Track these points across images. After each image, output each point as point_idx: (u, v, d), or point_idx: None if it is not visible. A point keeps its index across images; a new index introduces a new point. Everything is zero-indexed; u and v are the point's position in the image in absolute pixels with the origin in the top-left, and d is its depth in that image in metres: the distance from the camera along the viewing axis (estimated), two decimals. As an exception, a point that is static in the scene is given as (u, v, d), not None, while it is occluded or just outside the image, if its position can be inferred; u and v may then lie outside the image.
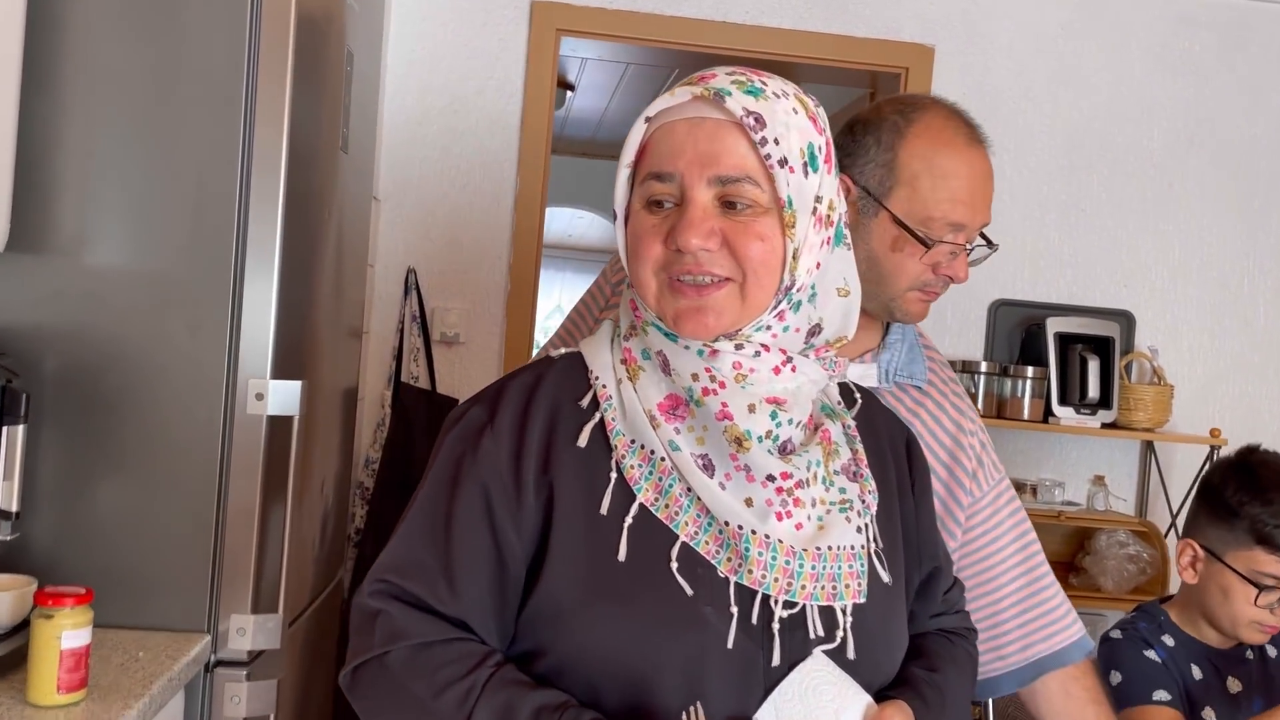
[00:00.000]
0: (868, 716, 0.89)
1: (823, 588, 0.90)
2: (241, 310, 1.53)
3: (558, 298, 7.17)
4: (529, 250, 2.82)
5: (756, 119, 0.90)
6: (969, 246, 1.29)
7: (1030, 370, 2.76)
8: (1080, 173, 2.97)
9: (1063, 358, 2.78)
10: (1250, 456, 1.61)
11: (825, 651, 0.89)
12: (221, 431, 1.52)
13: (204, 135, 1.52)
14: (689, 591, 0.87)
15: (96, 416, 1.51)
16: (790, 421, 0.93)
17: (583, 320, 1.54)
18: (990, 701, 1.81)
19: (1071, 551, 2.94)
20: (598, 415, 0.94)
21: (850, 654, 0.90)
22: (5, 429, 1.33)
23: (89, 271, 1.51)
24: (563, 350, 1.01)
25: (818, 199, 0.93)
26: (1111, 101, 2.97)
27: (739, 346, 0.91)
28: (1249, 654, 1.61)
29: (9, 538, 1.38)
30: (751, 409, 0.90)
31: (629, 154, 0.95)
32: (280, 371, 1.57)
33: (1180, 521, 2.88)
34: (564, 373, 0.98)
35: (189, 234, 1.52)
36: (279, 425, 1.58)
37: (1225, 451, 2.76)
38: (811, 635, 0.89)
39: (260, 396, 1.52)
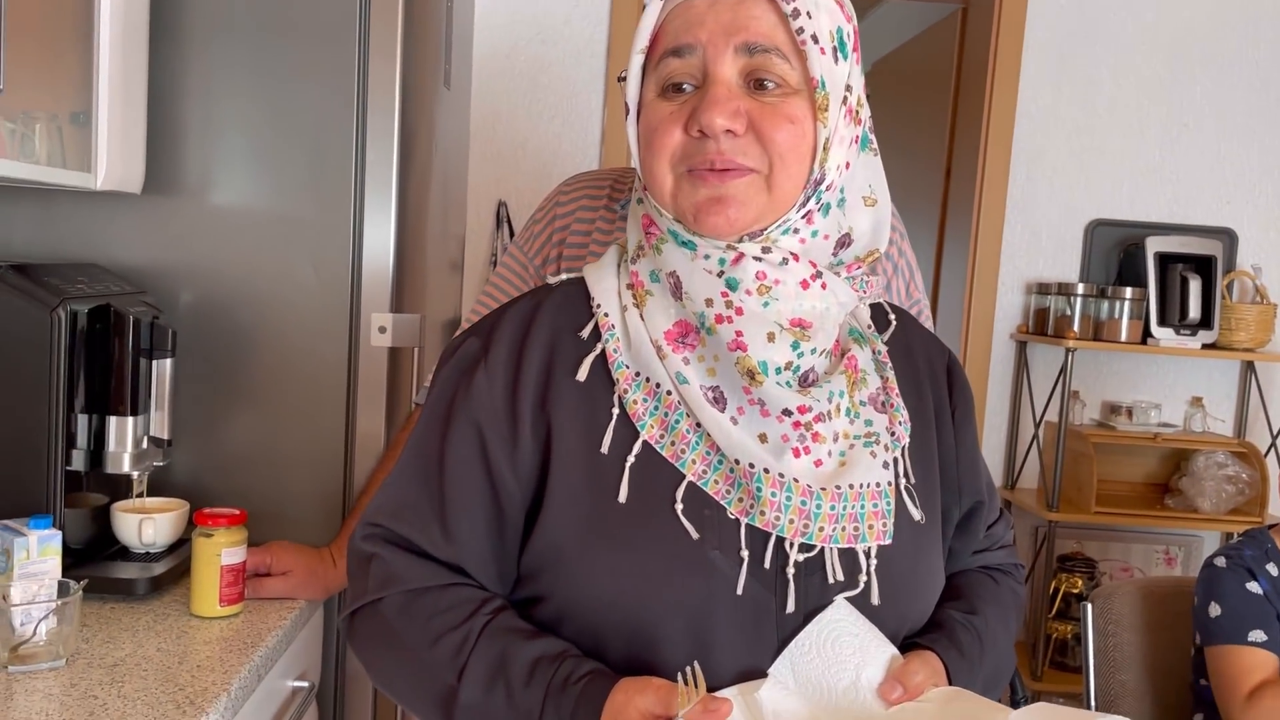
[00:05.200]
0: (892, 669, 0.81)
1: (843, 529, 0.83)
2: (362, 247, 1.59)
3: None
4: (618, 180, 2.83)
5: None
6: None
7: (1128, 291, 2.72)
8: (1182, 85, 2.87)
9: (1162, 278, 2.73)
10: None
11: (847, 598, 0.83)
12: (347, 363, 1.59)
13: (320, 76, 1.56)
14: (695, 534, 0.81)
15: (230, 350, 1.59)
16: (813, 351, 0.85)
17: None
18: (1089, 615, 1.83)
19: (1167, 474, 2.92)
20: (599, 346, 0.87)
21: (875, 599, 0.83)
22: (156, 362, 1.41)
23: (217, 211, 1.58)
24: (564, 275, 0.94)
25: (848, 88, 0.85)
26: (1216, 8, 2.86)
27: (765, 250, 0.83)
28: None
29: (163, 463, 1.48)
30: (771, 338, 0.83)
31: (643, 37, 0.86)
32: (398, 304, 1.63)
33: (1282, 442, 2.84)
34: (564, 301, 0.91)
35: (309, 173, 1.58)
36: (399, 356, 1.64)
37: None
38: (830, 580, 0.82)
39: (383, 330, 1.59)
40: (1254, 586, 1.58)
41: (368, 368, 1.60)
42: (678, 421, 0.84)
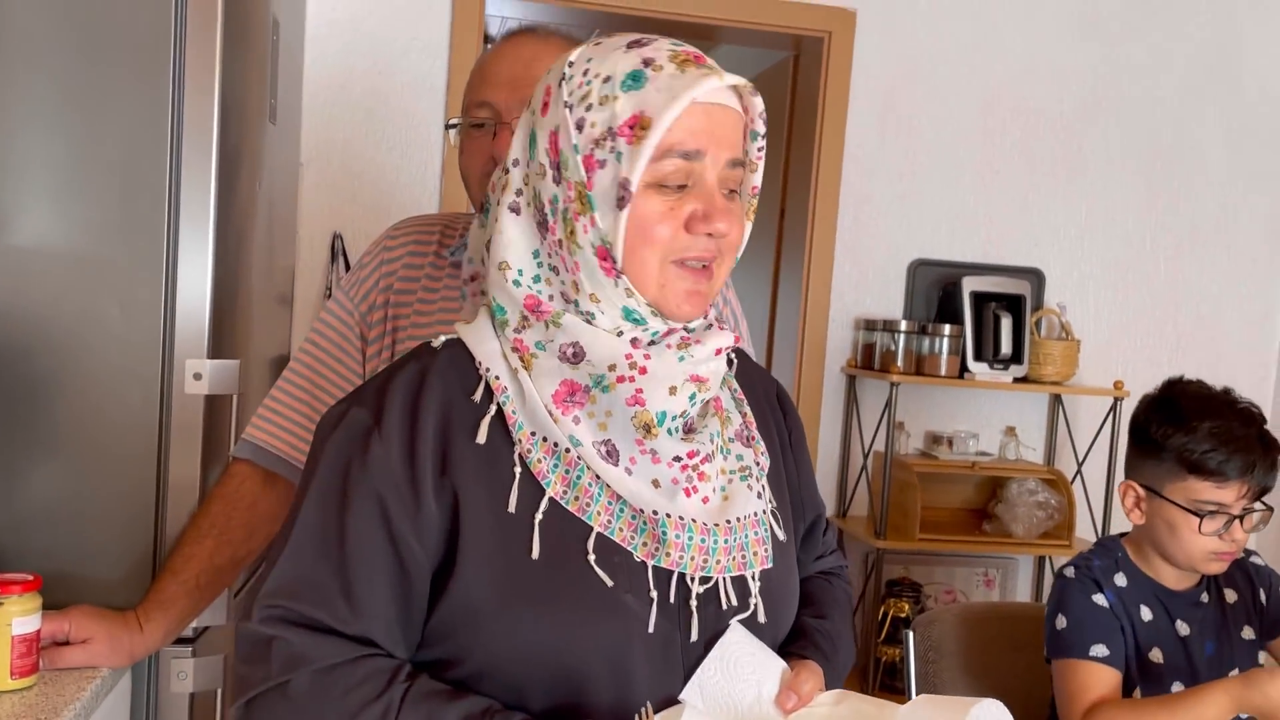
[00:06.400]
0: (784, 681, 0.91)
1: (733, 559, 0.91)
2: (176, 289, 1.52)
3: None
4: (457, 214, 2.81)
5: (760, 114, 0.92)
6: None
7: (947, 328, 2.87)
8: (994, 135, 3.06)
9: (977, 315, 2.89)
10: (1171, 389, 1.61)
11: (740, 620, 0.91)
12: (159, 412, 1.51)
13: (132, 109, 1.49)
14: (609, 582, 0.87)
15: (29, 400, 1.48)
16: (703, 400, 0.93)
17: (329, 356, 1.42)
18: (911, 641, 1.91)
19: (984, 499, 3.08)
20: (493, 408, 0.90)
21: (761, 618, 0.93)
22: (-62, 416, 1.30)
23: (15, 251, 1.48)
24: (442, 338, 0.96)
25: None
26: (1025, 65, 3.06)
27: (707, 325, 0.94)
28: (1204, 598, 1.61)
29: (-54, 525, 1.37)
30: (673, 391, 0.89)
31: (658, 134, 0.86)
32: (216, 349, 1.56)
33: (1085, 470, 3.04)
34: (449, 364, 0.93)
35: (119, 211, 1.50)
36: (217, 403, 1.57)
37: (1129, 402, 2.92)
38: (724, 606, 0.90)
39: (198, 376, 1.52)
40: (1100, 599, 1.56)
41: (182, 416, 1.52)
42: (579, 476, 0.89)
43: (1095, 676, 1.52)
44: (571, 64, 0.90)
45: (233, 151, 1.63)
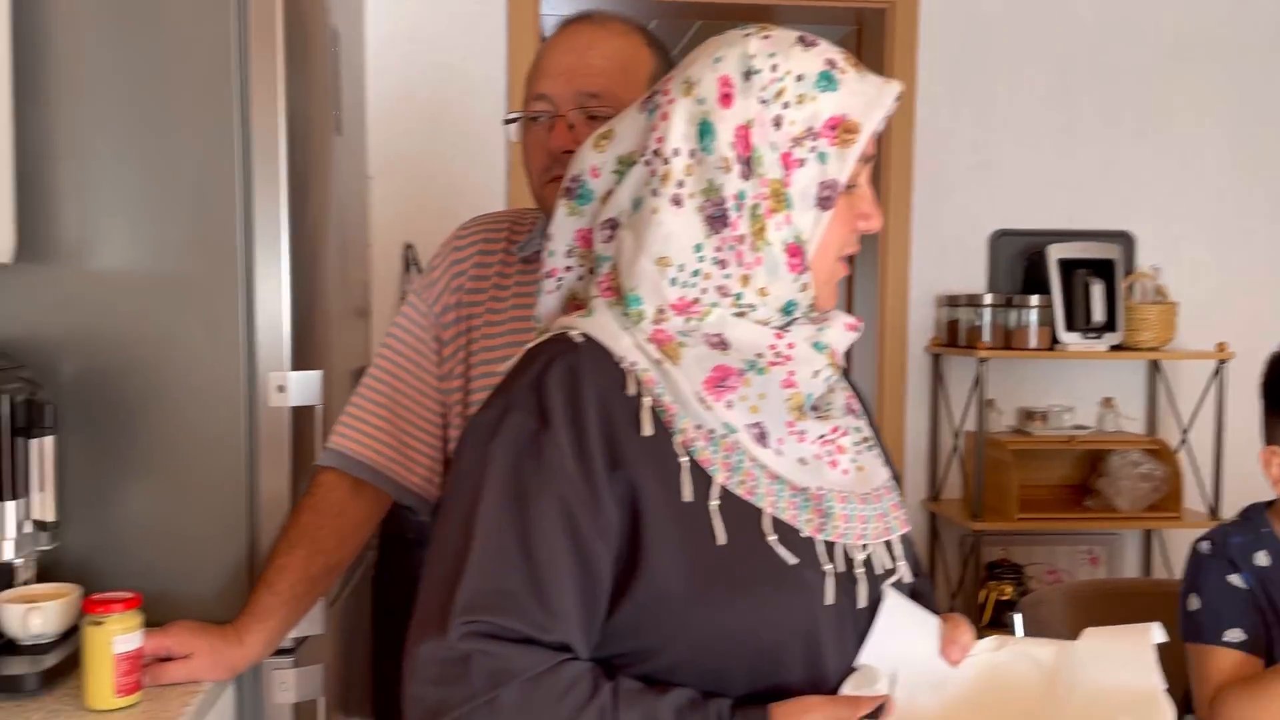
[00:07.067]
0: (943, 635, 0.96)
1: (884, 524, 0.96)
2: (254, 303, 1.52)
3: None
4: (526, 216, 2.80)
5: (889, 116, 0.97)
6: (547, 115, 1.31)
7: (1034, 299, 2.77)
8: (1073, 95, 2.95)
9: (1066, 283, 2.78)
10: None
11: (891, 584, 0.95)
12: (246, 426, 1.52)
13: (200, 129, 1.50)
14: (792, 560, 0.89)
15: (119, 422, 1.51)
16: (832, 380, 0.96)
17: (407, 361, 1.41)
18: (1019, 624, 1.85)
19: (1084, 475, 2.97)
20: (648, 400, 0.90)
21: (906, 579, 0.97)
22: (34, 441, 1.33)
23: (97, 277, 1.50)
24: (576, 331, 0.94)
25: None
26: (1101, 21, 2.94)
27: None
28: None
29: (49, 547, 1.39)
30: (816, 374, 0.92)
31: (867, 137, 0.91)
32: (298, 361, 1.57)
33: (1191, 437, 2.91)
34: (593, 359, 0.91)
35: (193, 230, 1.51)
36: (302, 415, 1.58)
37: (1235, 364, 2.78)
38: (879, 571, 0.94)
39: (282, 389, 1.52)
40: (1236, 579, 1.46)
41: (268, 429, 1.53)
42: (740, 461, 0.91)
43: (1227, 662, 1.43)
44: (753, 56, 0.90)
45: (301, 164, 1.63)
